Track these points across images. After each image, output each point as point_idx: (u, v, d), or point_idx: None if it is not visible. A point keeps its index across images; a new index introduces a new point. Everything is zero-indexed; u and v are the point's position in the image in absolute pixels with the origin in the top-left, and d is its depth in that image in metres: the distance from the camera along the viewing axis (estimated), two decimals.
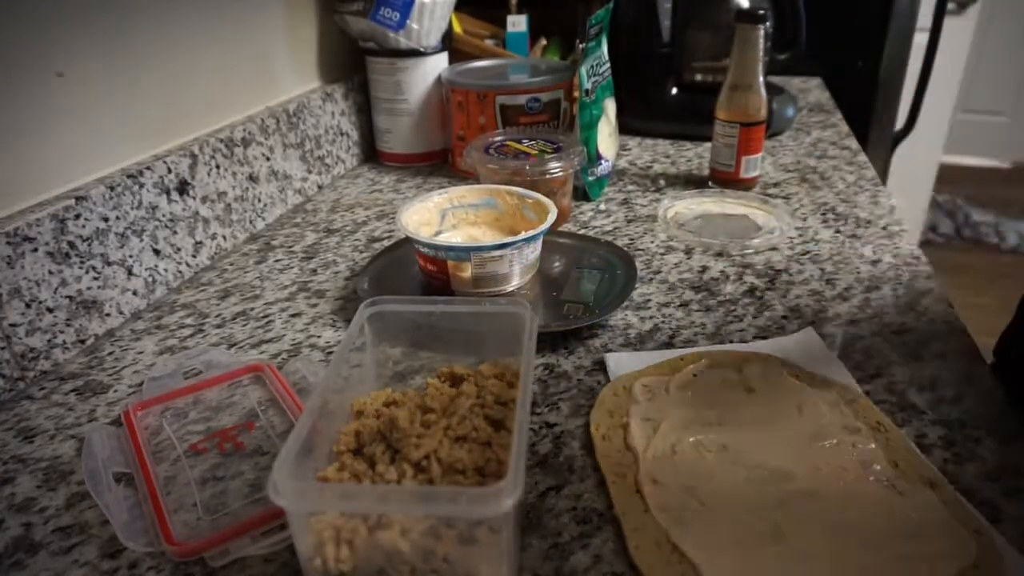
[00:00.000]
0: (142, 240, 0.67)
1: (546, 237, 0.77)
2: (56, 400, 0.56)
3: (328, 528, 0.37)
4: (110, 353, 0.62)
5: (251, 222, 0.83)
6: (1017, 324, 0.66)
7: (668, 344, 0.60)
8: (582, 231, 0.81)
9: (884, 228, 0.79)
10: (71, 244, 0.60)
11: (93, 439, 0.50)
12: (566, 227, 0.82)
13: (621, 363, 0.56)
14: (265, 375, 0.57)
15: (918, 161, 2.44)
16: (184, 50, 0.75)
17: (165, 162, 0.70)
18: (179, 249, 0.72)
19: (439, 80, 0.99)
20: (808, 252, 0.74)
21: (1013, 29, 3.14)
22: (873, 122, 1.49)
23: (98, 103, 0.65)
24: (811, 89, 1.35)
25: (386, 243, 0.80)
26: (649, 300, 0.67)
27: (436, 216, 0.72)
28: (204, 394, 0.56)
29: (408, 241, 0.77)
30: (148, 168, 0.68)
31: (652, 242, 0.78)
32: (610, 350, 0.59)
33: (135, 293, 0.67)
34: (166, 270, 0.71)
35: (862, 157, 1.00)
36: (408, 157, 1.03)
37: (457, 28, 1.11)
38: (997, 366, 0.59)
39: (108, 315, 0.65)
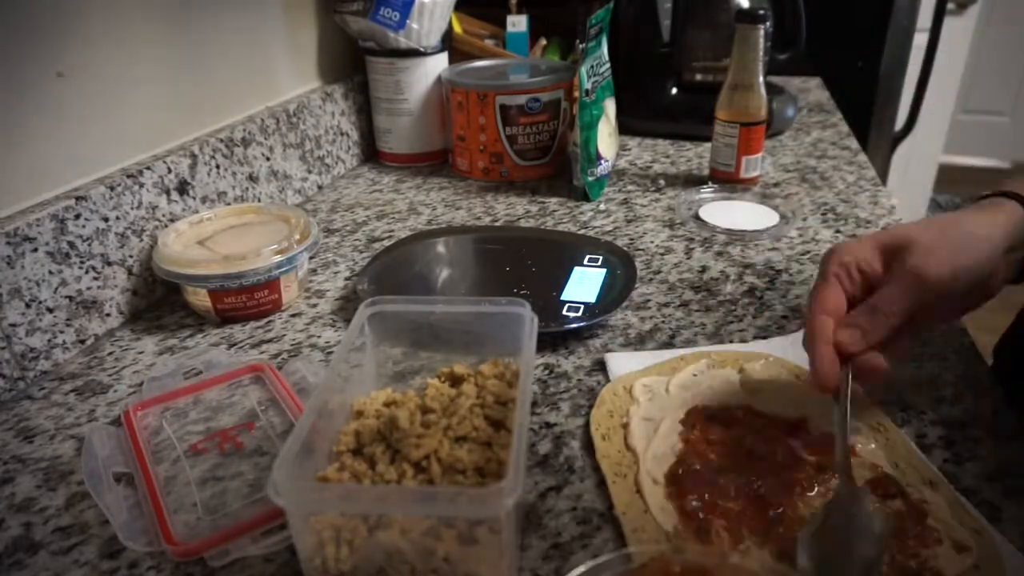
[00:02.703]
0: (142, 240, 0.67)
1: (547, 237, 0.78)
2: (56, 400, 0.56)
3: (328, 528, 0.37)
4: (110, 353, 0.62)
5: None
6: (1016, 326, 0.66)
7: (668, 344, 0.60)
8: (582, 231, 0.81)
9: (884, 228, 0.79)
10: (71, 244, 0.60)
11: (93, 439, 0.50)
12: (566, 227, 0.82)
13: (621, 363, 0.56)
14: (265, 375, 0.57)
15: (918, 161, 2.44)
16: (184, 50, 0.75)
17: (165, 162, 0.70)
18: None
19: (439, 80, 0.99)
20: (808, 252, 0.74)
21: (1013, 29, 3.14)
22: (873, 122, 1.49)
23: (98, 103, 0.65)
24: (811, 89, 1.35)
25: (386, 243, 0.80)
26: (649, 300, 0.67)
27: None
28: (204, 394, 0.56)
29: (408, 241, 0.77)
30: (148, 168, 0.68)
31: (652, 242, 0.78)
32: (610, 350, 0.59)
33: (135, 293, 0.67)
34: None
35: (862, 157, 1.00)
36: (408, 157, 1.03)
37: (457, 28, 1.11)
38: (996, 366, 0.59)
39: (108, 315, 0.65)
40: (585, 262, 0.69)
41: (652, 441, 0.47)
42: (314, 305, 0.68)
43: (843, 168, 0.96)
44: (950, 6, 1.96)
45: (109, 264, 0.64)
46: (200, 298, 0.64)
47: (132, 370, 0.60)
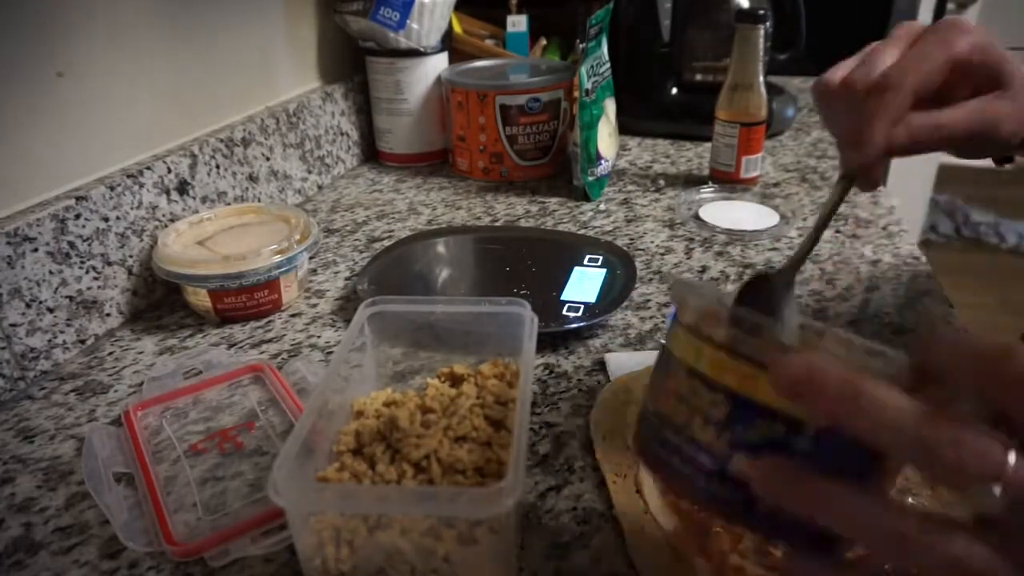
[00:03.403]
0: (142, 240, 0.67)
1: (547, 237, 0.78)
2: (56, 400, 0.56)
3: (328, 528, 0.37)
4: (110, 353, 0.62)
5: None
6: None
7: None
8: (582, 231, 0.81)
9: (884, 228, 0.79)
10: (71, 244, 0.60)
11: (93, 439, 0.50)
12: (566, 227, 0.82)
13: (621, 363, 0.56)
14: (265, 375, 0.57)
15: (918, 161, 2.44)
16: (184, 50, 0.75)
17: (165, 162, 0.70)
18: None
19: (439, 80, 0.99)
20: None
21: (1013, 29, 3.14)
22: None
23: (98, 103, 0.65)
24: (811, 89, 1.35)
25: (386, 243, 0.80)
26: (649, 300, 0.67)
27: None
28: (204, 394, 0.56)
29: (408, 241, 0.77)
30: (148, 168, 0.68)
31: (652, 242, 0.78)
32: (610, 350, 0.59)
33: (135, 293, 0.67)
34: None
35: None
36: (408, 157, 1.03)
37: (457, 28, 1.11)
38: None
39: (108, 315, 0.65)
40: (585, 262, 0.69)
41: None
42: (314, 305, 0.68)
43: None
44: (950, 6, 1.96)
45: (109, 264, 0.64)
46: (200, 298, 0.64)
47: (132, 370, 0.60)
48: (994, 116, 0.41)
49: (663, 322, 0.63)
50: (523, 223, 0.84)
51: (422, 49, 0.96)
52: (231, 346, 0.63)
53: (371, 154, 1.08)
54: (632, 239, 0.79)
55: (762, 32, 0.84)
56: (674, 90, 1.11)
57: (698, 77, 1.10)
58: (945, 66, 0.41)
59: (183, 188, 0.72)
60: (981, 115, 0.41)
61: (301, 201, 0.93)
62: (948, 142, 0.42)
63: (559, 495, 0.45)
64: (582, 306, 0.61)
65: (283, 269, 0.64)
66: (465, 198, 0.92)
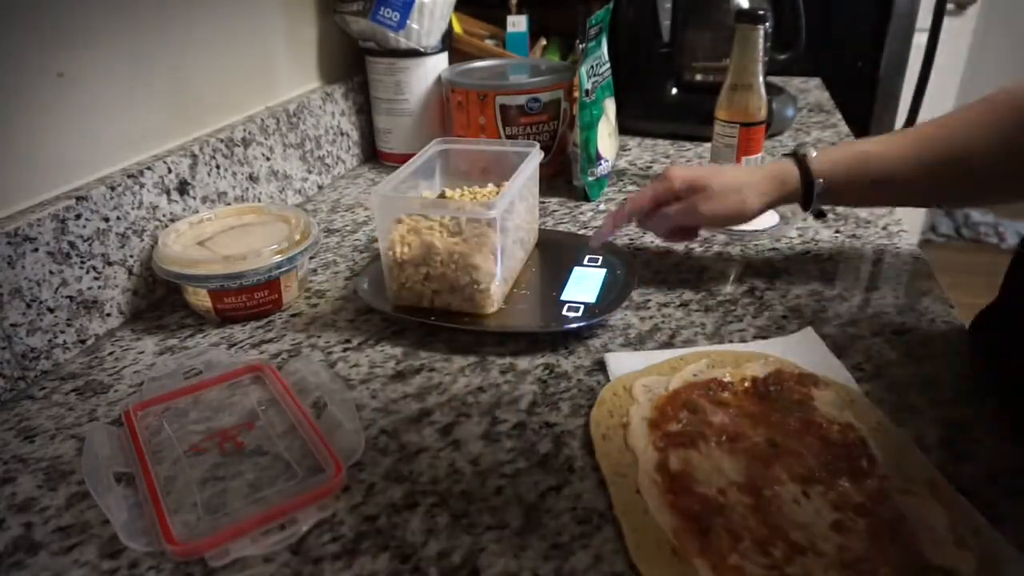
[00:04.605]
0: (143, 240, 0.67)
1: (547, 236, 0.78)
2: (57, 400, 0.56)
3: (398, 231, 0.58)
4: (110, 353, 0.62)
5: None
6: (995, 306, 0.66)
7: (668, 344, 0.60)
8: (582, 231, 0.81)
9: (884, 228, 0.79)
10: (72, 244, 0.60)
11: (93, 439, 0.50)
12: (566, 227, 0.82)
13: (621, 363, 0.56)
14: (265, 375, 0.57)
15: None
16: (184, 50, 0.75)
17: (165, 162, 0.70)
18: None
19: (439, 80, 0.99)
20: (808, 252, 0.74)
21: (1013, 29, 3.14)
22: (873, 122, 1.49)
23: (98, 103, 0.65)
24: (811, 89, 1.35)
25: None
26: (649, 300, 0.67)
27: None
28: (204, 394, 0.56)
29: None
30: (148, 168, 0.68)
31: (652, 242, 0.78)
32: (610, 350, 0.59)
33: (136, 293, 0.68)
34: None
35: None
36: (408, 157, 1.02)
37: (457, 28, 1.11)
38: (972, 340, 0.59)
39: (109, 315, 0.65)
40: (585, 262, 0.69)
41: (652, 441, 0.47)
42: (314, 305, 0.68)
43: None
44: (950, 6, 1.95)
45: (110, 264, 0.64)
46: (200, 298, 0.64)
47: (132, 370, 0.60)
48: (691, 205, 0.64)
49: (663, 322, 0.63)
50: None
51: (422, 49, 0.96)
52: (231, 346, 0.63)
53: (371, 154, 1.08)
54: (632, 239, 0.79)
55: (762, 32, 0.84)
56: (674, 90, 1.11)
57: (698, 77, 1.10)
58: (648, 198, 0.66)
59: (183, 188, 0.72)
60: (682, 206, 0.65)
61: (301, 201, 0.93)
62: (672, 223, 0.66)
63: (559, 495, 0.45)
64: (582, 306, 0.61)
65: (283, 269, 0.64)
66: None
